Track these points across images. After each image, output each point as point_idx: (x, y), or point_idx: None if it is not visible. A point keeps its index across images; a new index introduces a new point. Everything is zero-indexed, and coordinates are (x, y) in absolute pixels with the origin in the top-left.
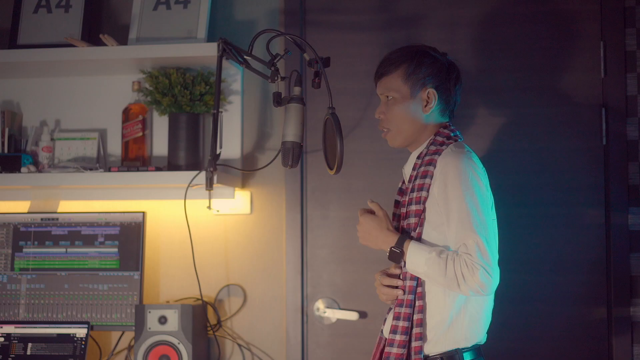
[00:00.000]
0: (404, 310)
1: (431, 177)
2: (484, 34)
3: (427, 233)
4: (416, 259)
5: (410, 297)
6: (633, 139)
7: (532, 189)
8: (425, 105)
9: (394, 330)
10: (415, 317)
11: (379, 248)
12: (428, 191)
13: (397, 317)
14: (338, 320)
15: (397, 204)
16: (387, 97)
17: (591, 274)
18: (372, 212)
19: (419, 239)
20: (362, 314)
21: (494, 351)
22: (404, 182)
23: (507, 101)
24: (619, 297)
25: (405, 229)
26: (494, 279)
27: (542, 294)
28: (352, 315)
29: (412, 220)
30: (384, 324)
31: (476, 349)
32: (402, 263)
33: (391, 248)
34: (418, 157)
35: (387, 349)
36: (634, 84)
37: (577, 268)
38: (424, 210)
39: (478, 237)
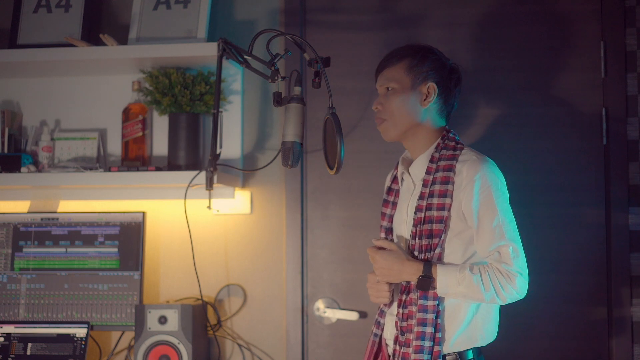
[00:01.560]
0: (429, 315)
1: (453, 184)
2: (483, 34)
3: (449, 240)
4: (448, 281)
5: (435, 302)
6: (633, 139)
7: (532, 189)
8: (424, 99)
9: (421, 337)
10: (437, 321)
11: (401, 280)
12: (452, 198)
13: (423, 323)
14: (338, 320)
15: (387, 203)
16: (387, 88)
17: (591, 274)
18: (381, 248)
19: (442, 245)
20: (362, 314)
21: (494, 351)
22: (394, 181)
23: (507, 101)
24: (619, 297)
25: (425, 234)
26: (527, 282)
27: (542, 294)
28: (352, 315)
29: (435, 226)
30: (376, 327)
31: (477, 349)
32: (432, 288)
33: (420, 277)
34: (431, 161)
35: (417, 356)
36: (634, 84)
37: (577, 268)
38: (449, 217)
39: (514, 244)
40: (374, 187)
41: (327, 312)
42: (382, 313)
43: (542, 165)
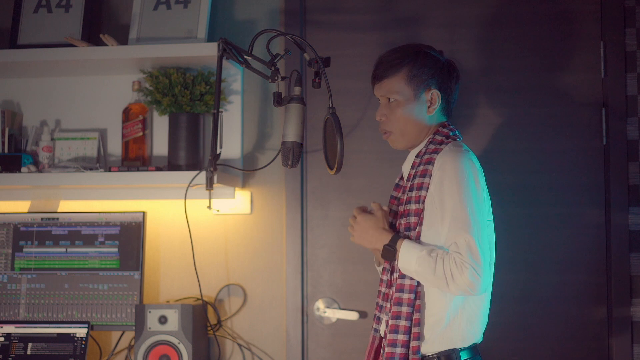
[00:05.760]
0: (404, 309)
1: (430, 176)
2: (483, 34)
3: (424, 232)
4: (408, 257)
5: (411, 295)
6: (633, 138)
7: (532, 189)
8: (429, 107)
9: (394, 330)
10: (414, 316)
11: (372, 247)
12: (427, 190)
13: (397, 316)
14: (338, 320)
15: (394, 199)
16: (389, 99)
17: (591, 274)
18: (367, 212)
19: (417, 238)
20: (362, 314)
21: (494, 351)
22: (401, 177)
23: (507, 101)
24: (619, 297)
25: (403, 227)
26: (483, 280)
27: (542, 294)
28: (352, 315)
29: (412, 219)
30: (375, 322)
31: (472, 348)
32: (395, 261)
33: (384, 245)
34: (417, 156)
35: (389, 349)
36: (634, 84)
37: (577, 268)
38: (423, 210)
39: (470, 237)
40: (374, 187)
41: (327, 312)
42: (380, 308)
43: (542, 165)
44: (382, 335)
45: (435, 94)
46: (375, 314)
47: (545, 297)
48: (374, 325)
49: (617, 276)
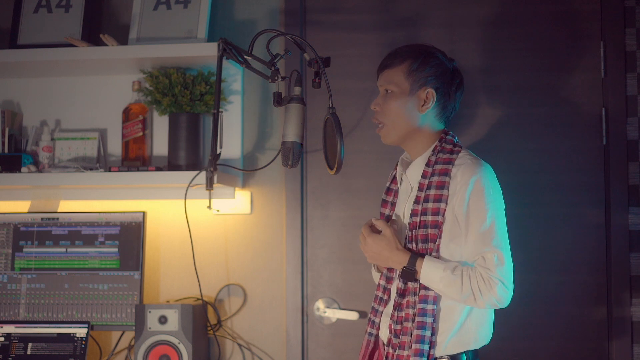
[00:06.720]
0: (429, 319)
1: (448, 188)
2: (484, 34)
3: (445, 244)
4: (430, 276)
5: (434, 306)
6: (633, 139)
7: (532, 189)
8: (422, 105)
9: (421, 340)
10: (433, 325)
11: (388, 266)
12: (447, 202)
13: (422, 327)
14: (338, 320)
15: (386, 203)
16: (386, 90)
17: (591, 274)
18: (376, 230)
19: (437, 250)
20: (362, 314)
21: (494, 351)
22: (393, 181)
23: (507, 101)
24: (619, 297)
25: (420, 238)
26: (510, 293)
27: (542, 294)
28: (352, 315)
29: (430, 231)
30: (370, 327)
31: (477, 350)
32: (415, 280)
33: (404, 268)
34: (427, 165)
35: (415, 359)
36: (634, 84)
37: (577, 268)
38: (443, 222)
39: (499, 251)
40: (374, 187)
41: (327, 312)
42: (376, 312)
43: (542, 165)
44: (385, 342)
45: (430, 93)
46: (370, 318)
47: (545, 297)
48: (369, 329)
49: (617, 276)
